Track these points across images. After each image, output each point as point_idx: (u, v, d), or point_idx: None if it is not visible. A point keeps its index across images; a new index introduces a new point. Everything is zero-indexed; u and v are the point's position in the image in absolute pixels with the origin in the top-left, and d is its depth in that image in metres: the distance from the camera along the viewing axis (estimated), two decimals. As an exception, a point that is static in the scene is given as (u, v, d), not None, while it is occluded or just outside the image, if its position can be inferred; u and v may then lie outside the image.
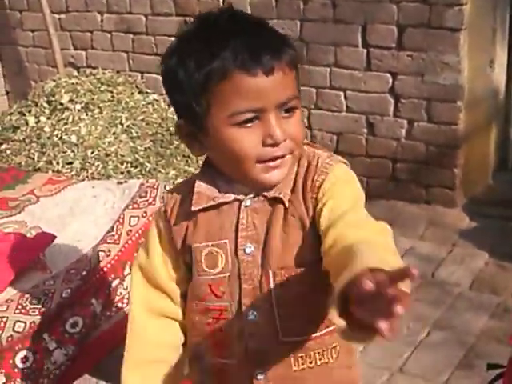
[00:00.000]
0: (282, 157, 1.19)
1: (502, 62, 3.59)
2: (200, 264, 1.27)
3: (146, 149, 3.95)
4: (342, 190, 1.22)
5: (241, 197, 1.25)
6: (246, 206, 1.25)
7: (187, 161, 4.02)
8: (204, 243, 1.26)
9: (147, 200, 2.30)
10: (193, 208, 1.26)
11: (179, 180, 3.82)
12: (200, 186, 1.27)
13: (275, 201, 1.24)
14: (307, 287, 1.24)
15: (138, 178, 3.76)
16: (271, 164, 1.19)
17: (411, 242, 3.37)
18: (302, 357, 1.27)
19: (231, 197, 1.25)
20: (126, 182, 2.47)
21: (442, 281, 3.09)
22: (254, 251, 1.24)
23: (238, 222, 1.25)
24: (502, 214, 3.50)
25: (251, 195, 1.25)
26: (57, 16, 4.62)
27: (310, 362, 1.27)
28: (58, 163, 3.83)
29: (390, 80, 3.61)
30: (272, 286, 1.23)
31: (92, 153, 3.86)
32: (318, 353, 1.27)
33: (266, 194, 1.24)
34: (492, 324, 2.77)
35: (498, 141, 3.74)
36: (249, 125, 1.17)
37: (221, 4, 3.99)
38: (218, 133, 1.19)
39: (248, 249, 1.24)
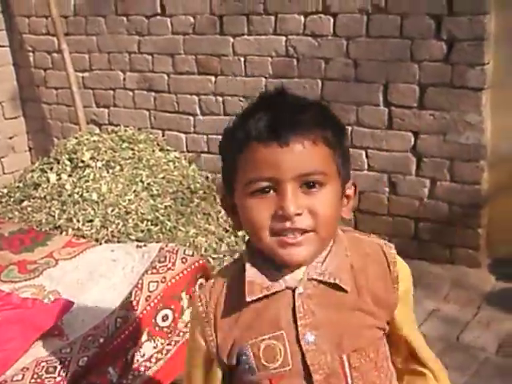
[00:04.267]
0: (299, 232, 1.15)
1: (525, 120, 3.56)
2: (259, 359, 1.21)
3: (166, 207, 3.94)
4: (410, 297, 1.34)
5: (292, 284, 1.20)
6: (300, 294, 1.20)
7: (208, 219, 4.00)
8: (260, 337, 1.21)
9: (166, 265, 2.27)
10: (247, 299, 1.20)
11: (199, 238, 3.80)
12: (251, 276, 1.21)
13: (332, 286, 1.21)
14: (375, 364, 1.25)
15: (158, 236, 3.74)
16: (288, 240, 1.15)
17: (435, 304, 3.30)
18: None
19: (283, 285, 1.21)
20: (145, 245, 2.45)
21: (467, 345, 3.00)
22: (316, 339, 1.20)
23: (294, 310, 1.20)
24: (529, 275, 3.43)
25: (304, 280, 1.20)
26: (80, 74, 4.68)
27: None
28: (78, 221, 3.83)
29: (412, 139, 3.59)
30: (347, 370, 1.22)
31: (112, 211, 3.86)
32: None
33: (319, 278, 1.21)
34: (520, 392, 2.68)
35: (523, 200, 3.69)
36: (264, 195, 1.16)
37: (242, 65, 4.02)
38: (239, 202, 1.20)
39: (310, 337, 1.20)
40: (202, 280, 2.28)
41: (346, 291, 1.21)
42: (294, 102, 1.20)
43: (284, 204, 1.13)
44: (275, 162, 1.13)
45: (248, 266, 1.22)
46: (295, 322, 1.20)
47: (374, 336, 1.24)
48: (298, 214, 1.14)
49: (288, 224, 1.14)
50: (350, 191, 1.26)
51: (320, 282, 1.21)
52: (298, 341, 1.20)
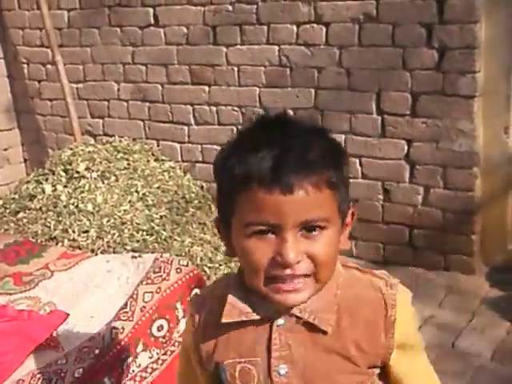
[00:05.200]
0: (298, 277, 1.12)
1: (517, 127, 3.58)
2: (235, 379, 1.20)
3: (161, 217, 3.95)
4: (414, 344, 1.24)
5: (273, 315, 1.18)
6: (278, 326, 1.18)
7: (203, 228, 4.01)
8: (237, 359, 1.20)
9: (161, 275, 2.28)
10: (223, 320, 1.19)
11: (195, 248, 3.81)
12: (233, 298, 1.20)
13: (311, 324, 1.17)
14: None
15: (154, 245, 3.75)
16: (285, 287, 1.12)
17: (430, 310, 3.31)
18: None
19: (262, 315, 1.19)
20: (140, 256, 2.46)
21: (463, 351, 3.01)
22: (288, 373, 1.17)
23: (269, 341, 1.18)
24: (523, 281, 3.44)
25: (286, 314, 1.18)
26: (74, 85, 4.69)
27: None
28: (73, 232, 3.83)
29: (405, 147, 3.61)
30: None
31: (108, 221, 3.86)
32: None
33: (298, 315, 1.17)
34: (515, 398, 2.69)
35: (516, 206, 3.70)
36: (262, 236, 1.12)
37: (235, 74, 4.05)
38: (236, 241, 1.16)
39: (282, 370, 1.17)
40: (196, 290, 2.29)
41: (324, 332, 1.17)
42: (298, 135, 1.13)
43: (284, 252, 1.09)
44: (277, 210, 1.08)
45: (234, 287, 1.21)
46: (269, 352, 1.18)
47: (350, 381, 1.19)
48: (298, 262, 1.11)
49: (288, 271, 1.11)
50: (348, 219, 1.20)
51: (300, 318, 1.18)
52: (270, 372, 1.18)
